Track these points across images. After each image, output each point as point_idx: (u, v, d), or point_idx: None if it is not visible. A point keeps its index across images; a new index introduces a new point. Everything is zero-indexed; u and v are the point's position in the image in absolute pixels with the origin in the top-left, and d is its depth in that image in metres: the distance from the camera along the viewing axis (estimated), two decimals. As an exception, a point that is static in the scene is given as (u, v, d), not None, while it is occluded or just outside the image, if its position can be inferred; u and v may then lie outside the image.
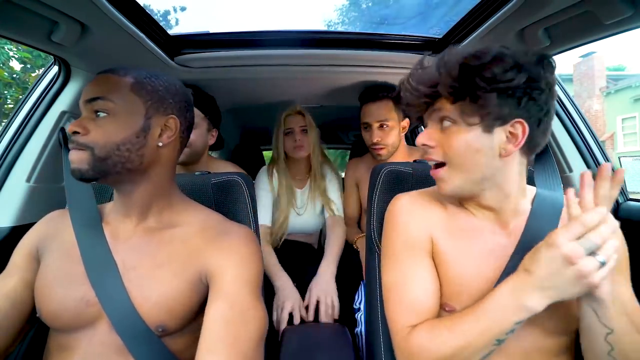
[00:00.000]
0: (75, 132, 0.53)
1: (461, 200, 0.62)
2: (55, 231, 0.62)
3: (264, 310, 0.58)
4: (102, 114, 0.54)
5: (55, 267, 0.58)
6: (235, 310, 0.53)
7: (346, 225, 1.35)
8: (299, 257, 1.34)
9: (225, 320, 0.52)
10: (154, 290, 0.55)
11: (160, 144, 0.58)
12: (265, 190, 1.33)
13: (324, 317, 1.00)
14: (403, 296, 0.58)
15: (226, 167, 1.27)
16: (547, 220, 0.58)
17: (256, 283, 0.59)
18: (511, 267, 0.55)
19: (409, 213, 0.63)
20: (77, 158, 0.53)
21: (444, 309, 0.57)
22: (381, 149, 1.23)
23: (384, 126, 1.21)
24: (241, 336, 0.52)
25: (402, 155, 1.28)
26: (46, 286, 0.56)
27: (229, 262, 0.57)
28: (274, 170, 1.37)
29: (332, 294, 1.04)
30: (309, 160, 1.38)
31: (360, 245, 1.26)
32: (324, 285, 1.06)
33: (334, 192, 1.38)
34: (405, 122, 1.26)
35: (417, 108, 0.59)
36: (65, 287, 0.56)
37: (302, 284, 1.20)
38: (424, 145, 0.57)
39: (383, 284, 0.63)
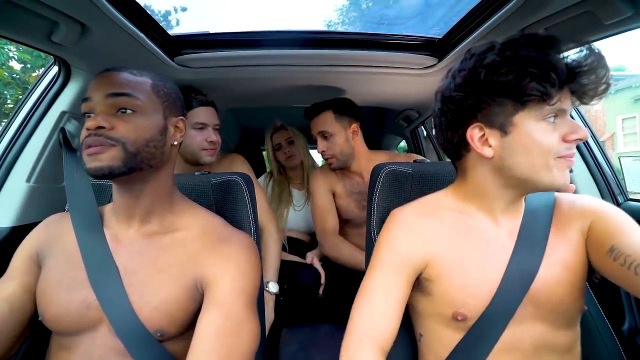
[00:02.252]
0: (100, 127, 0.52)
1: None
2: (56, 235, 0.61)
3: (258, 323, 0.57)
4: (128, 111, 0.54)
5: (57, 270, 0.58)
6: (228, 322, 0.52)
7: (328, 238, 1.30)
8: (297, 253, 1.43)
9: (218, 332, 0.51)
10: (153, 296, 0.55)
11: (175, 143, 0.61)
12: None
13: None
14: (369, 307, 0.59)
15: (233, 160, 1.29)
16: (540, 219, 0.60)
17: (252, 294, 0.58)
18: (513, 267, 0.56)
19: (405, 232, 0.62)
20: (107, 155, 0.51)
21: (455, 319, 0.57)
22: (329, 158, 1.25)
23: (326, 136, 1.23)
24: (233, 350, 0.51)
25: (366, 160, 1.27)
26: (48, 289, 0.56)
27: (226, 271, 0.56)
28: (270, 181, 1.60)
29: (318, 264, 1.31)
30: (303, 165, 1.58)
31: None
32: (313, 255, 1.35)
33: None
34: (355, 126, 1.24)
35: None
36: (67, 291, 0.55)
37: (295, 284, 1.22)
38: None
39: (360, 287, 0.63)
